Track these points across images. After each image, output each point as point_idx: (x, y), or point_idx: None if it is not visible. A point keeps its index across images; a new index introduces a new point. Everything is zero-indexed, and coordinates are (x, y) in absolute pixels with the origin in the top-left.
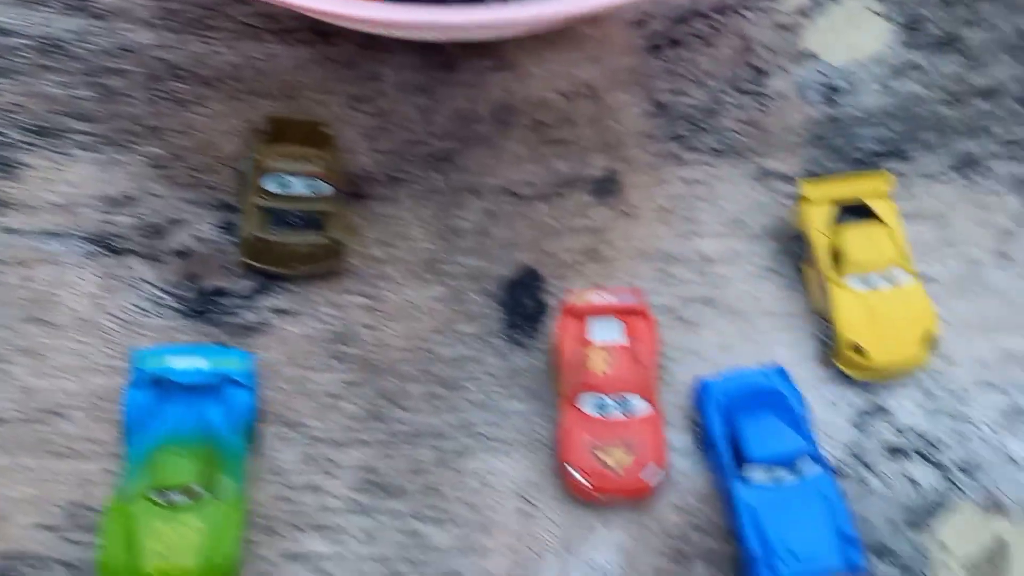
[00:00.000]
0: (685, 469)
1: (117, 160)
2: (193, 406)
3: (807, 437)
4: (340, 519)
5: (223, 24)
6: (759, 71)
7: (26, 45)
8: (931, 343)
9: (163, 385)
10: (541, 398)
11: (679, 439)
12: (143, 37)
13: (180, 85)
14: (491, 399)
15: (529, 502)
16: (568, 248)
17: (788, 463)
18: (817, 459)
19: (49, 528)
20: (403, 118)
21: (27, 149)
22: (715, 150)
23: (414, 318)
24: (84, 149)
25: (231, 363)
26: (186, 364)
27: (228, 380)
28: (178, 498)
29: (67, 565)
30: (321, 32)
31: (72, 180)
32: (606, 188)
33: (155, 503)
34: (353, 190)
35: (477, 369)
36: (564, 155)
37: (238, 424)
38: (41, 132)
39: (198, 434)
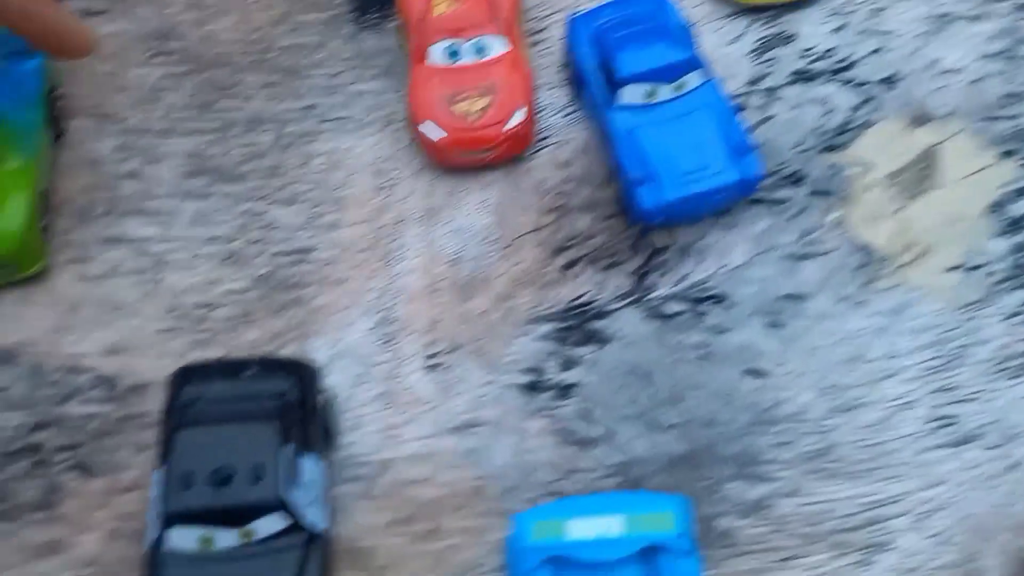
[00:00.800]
0: (562, 124)
1: None
2: None
3: (687, 49)
4: (166, 203)
5: None
6: None
7: None
8: None
9: None
10: (396, 76)
11: (554, 96)
12: None
13: None
14: (338, 82)
15: (386, 176)
16: None
17: (666, 77)
18: (700, 70)
19: None
20: None
21: None
22: None
23: (247, 11)
24: None
25: None
26: None
27: (11, 53)
28: None
29: None
30: None
31: None
32: None
33: None
34: None
35: (322, 55)
36: None
37: (25, 99)
38: None
39: None
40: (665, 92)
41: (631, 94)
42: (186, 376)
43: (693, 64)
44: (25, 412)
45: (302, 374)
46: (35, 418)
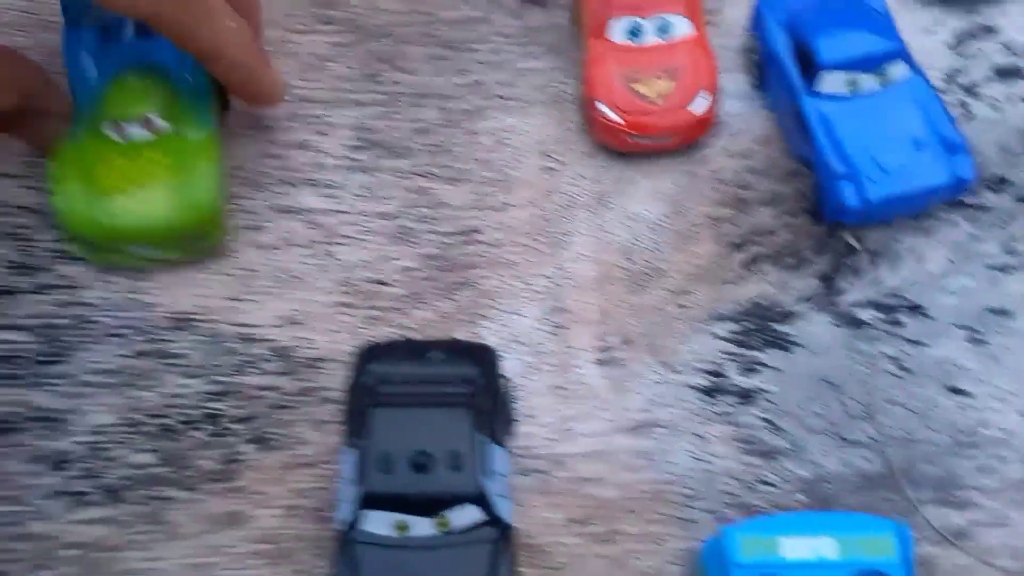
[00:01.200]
0: (740, 112)
1: None
2: (140, 47)
3: (894, 38)
4: (335, 175)
5: None
6: None
7: None
8: None
9: (106, 28)
10: (562, 54)
11: (731, 82)
12: None
13: None
14: (504, 58)
15: (553, 158)
16: None
17: (870, 67)
18: (907, 61)
19: (6, 176)
20: None
21: None
22: None
23: None
24: None
25: None
26: None
27: None
28: (136, 131)
29: (28, 209)
30: None
31: None
32: None
33: (110, 138)
34: None
35: (486, 29)
36: None
37: (199, 64)
38: None
39: (152, 71)
40: (869, 82)
41: (831, 82)
42: (373, 353)
43: (900, 54)
44: (203, 380)
45: (487, 359)
46: (213, 387)
